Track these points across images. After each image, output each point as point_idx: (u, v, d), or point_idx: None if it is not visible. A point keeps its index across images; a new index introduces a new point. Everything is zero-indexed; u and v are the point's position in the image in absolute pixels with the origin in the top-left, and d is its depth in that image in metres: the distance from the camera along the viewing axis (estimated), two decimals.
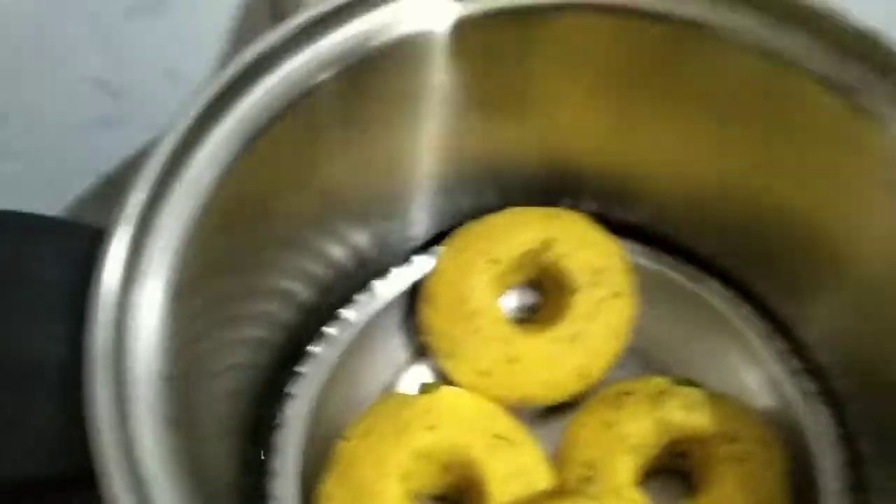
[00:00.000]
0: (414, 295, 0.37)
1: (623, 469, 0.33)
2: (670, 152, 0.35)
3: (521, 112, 0.35)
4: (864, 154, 0.30)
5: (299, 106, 0.29)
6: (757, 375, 0.37)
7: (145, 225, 0.25)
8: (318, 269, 0.36)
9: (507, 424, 0.34)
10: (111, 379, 0.22)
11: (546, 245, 0.36)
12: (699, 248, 0.38)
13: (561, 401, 0.36)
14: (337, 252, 0.36)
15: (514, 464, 0.32)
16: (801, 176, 0.32)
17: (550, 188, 0.38)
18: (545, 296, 0.39)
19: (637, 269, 0.37)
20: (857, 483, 0.33)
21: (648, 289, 0.37)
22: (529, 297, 0.39)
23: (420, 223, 0.38)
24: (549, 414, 0.36)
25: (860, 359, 0.34)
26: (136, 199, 0.25)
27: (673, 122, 0.34)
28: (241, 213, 0.29)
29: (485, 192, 0.38)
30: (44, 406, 0.22)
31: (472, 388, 0.35)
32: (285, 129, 0.29)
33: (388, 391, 0.37)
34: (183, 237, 0.26)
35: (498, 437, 0.33)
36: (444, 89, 0.33)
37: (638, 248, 0.39)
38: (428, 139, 0.35)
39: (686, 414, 0.33)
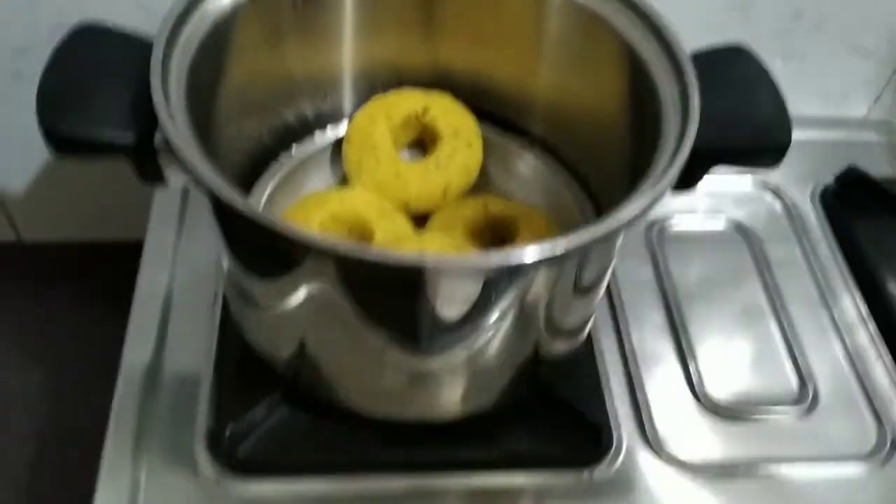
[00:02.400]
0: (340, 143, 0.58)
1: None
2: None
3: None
4: None
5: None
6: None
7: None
8: (275, 122, 0.56)
9: (390, 207, 0.54)
10: (161, 84, 0.41)
11: (425, 110, 0.57)
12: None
13: (429, 209, 0.56)
14: (288, 114, 0.56)
15: (393, 223, 0.52)
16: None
17: (432, 79, 0.58)
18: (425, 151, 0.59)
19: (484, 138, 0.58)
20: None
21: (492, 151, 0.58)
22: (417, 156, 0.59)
23: (347, 98, 0.58)
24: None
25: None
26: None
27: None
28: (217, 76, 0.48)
29: (389, 80, 0.58)
30: (123, 93, 0.41)
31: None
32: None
33: None
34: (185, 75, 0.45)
35: (383, 210, 0.53)
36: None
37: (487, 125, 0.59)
38: (350, 42, 0.56)
39: None
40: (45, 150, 0.72)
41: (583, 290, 0.48)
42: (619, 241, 0.47)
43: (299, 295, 0.45)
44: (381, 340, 0.46)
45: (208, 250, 0.62)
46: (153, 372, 0.56)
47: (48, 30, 0.62)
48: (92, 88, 0.42)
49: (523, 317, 0.46)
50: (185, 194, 0.66)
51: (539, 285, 0.44)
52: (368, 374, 0.49)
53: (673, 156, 0.43)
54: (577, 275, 0.45)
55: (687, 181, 0.47)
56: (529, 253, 0.37)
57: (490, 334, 0.46)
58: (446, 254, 0.50)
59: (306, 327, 0.48)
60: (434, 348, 0.47)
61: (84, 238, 0.81)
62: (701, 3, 0.67)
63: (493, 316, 0.44)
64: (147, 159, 0.42)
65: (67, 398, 0.72)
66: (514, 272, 0.41)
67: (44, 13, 0.62)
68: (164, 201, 0.66)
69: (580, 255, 0.43)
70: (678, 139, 0.44)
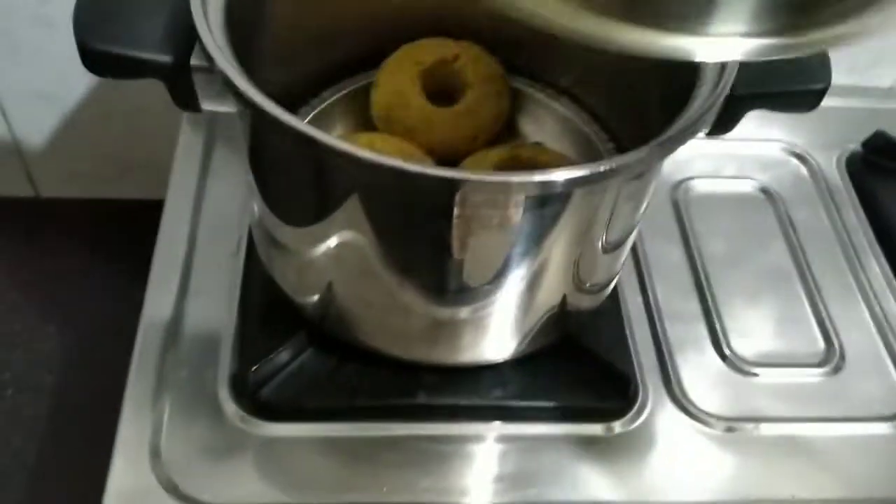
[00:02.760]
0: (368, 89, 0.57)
1: None
2: None
3: None
4: None
5: None
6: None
7: None
8: (306, 68, 0.55)
9: (419, 152, 0.53)
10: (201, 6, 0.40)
11: (454, 58, 0.56)
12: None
13: (457, 156, 0.55)
14: (320, 60, 0.56)
15: None
16: None
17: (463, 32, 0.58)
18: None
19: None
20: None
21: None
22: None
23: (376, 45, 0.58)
24: None
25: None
26: None
27: None
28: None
29: (421, 29, 0.58)
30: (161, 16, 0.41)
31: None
32: None
33: None
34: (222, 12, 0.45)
35: (411, 155, 0.52)
36: None
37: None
38: None
39: None
40: (65, 101, 0.72)
41: (613, 237, 0.47)
42: (655, 178, 0.46)
43: (331, 230, 0.44)
44: (410, 280, 0.46)
45: (231, 200, 0.62)
46: (176, 318, 0.55)
47: None
48: (130, 9, 0.41)
49: (554, 258, 0.45)
50: (207, 145, 0.65)
51: (573, 217, 0.43)
52: (395, 315, 0.49)
53: (711, 94, 0.43)
54: (611, 213, 0.45)
55: (724, 124, 0.46)
56: (567, 173, 0.37)
57: (518, 277, 0.46)
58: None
59: (336, 268, 0.48)
60: (462, 290, 0.46)
61: (102, 195, 0.80)
62: None
63: (523, 253, 0.44)
64: (182, 83, 0.41)
65: (84, 354, 0.71)
66: (550, 195, 0.40)
67: None
68: (187, 148, 0.65)
69: (619, 182, 0.42)
70: (715, 81, 0.44)
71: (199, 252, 0.59)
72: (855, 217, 0.68)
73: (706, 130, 0.47)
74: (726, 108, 0.45)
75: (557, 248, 0.45)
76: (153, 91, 0.69)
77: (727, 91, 0.43)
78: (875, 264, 0.65)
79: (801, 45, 0.34)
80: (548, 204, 0.42)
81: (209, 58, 0.39)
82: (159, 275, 0.57)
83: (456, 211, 0.40)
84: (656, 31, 0.34)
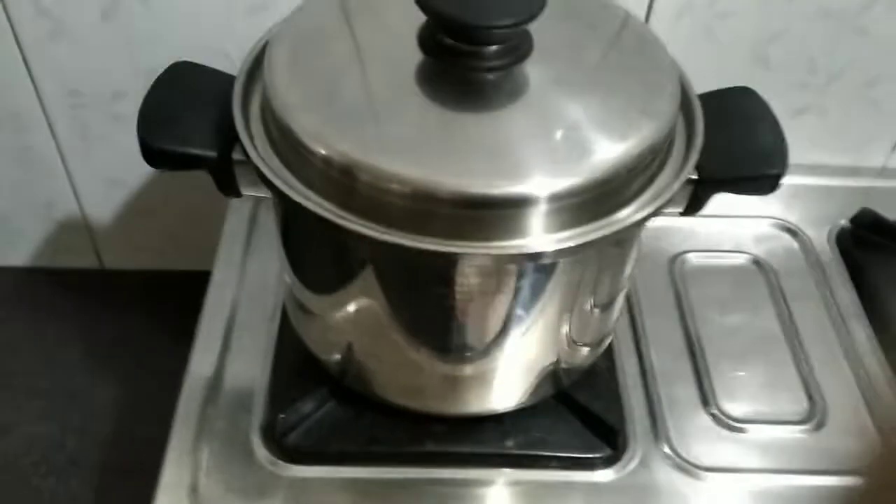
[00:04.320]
0: None
1: None
2: None
3: None
4: None
5: None
6: None
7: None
8: None
9: None
10: (241, 108, 0.49)
11: None
12: None
13: None
14: None
15: None
16: None
17: None
18: None
19: None
20: None
21: None
22: None
23: None
24: None
25: None
26: None
27: None
28: None
29: None
30: (209, 117, 0.50)
31: None
32: None
33: None
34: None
35: None
36: None
37: None
38: None
39: None
40: (130, 186, 0.82)
41: (600, 300, 0.54)
42: (634, 246, 0.53)
43: (350, 298, 0.52)
44: (419, 341, 0.53)
45: (268, 272, 0.70)
46: (217, 374, 0.63)
47: (144, 76, 0.72)
48: (183, 112, 0.50)
49: (546, 319, 0.52)
50: (250, 225, 0.74)
51: (560, 283, 0.50)
52: (406, 371, 0.56)
53: (676, 175, 0.50)
54: (595, 278, 0.52)
55: (693, 206, 0.53)
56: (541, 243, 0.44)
57: (515, 338, 0.53)
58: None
59: (354, 330, 0.55)
60: (464, 350, 0.53)
61: (158, 267, 0.90)
62: (721, 58, 0.74)
63: (518, 317, 0.51)
64: (226, 173, 0.50)
65: (138, 407, 0.79)
66: (538, 265, 0.48)
67: (141, 61, 0.72)
68: (233, 229, 0.74)
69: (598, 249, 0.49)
70: (682, 163, 0.51)
71: (239, 316, 0.67)
72: (843, 287, 0.74)
73: (680, 211, 0.54)
74: (695, 192, 0.52)
75: (549, 310, 0.52)
76: (204, 179, 0.79)
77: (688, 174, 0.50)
78: (861, 330, 0.70)
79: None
80: (537, 271, 0.49)
81: (245, 153, 0.47)
82: (205, 335, 0.65)
83: (455, 280, 0.48)
84: None
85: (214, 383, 0.62)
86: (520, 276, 0.49)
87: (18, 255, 0.89)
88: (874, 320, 0.71)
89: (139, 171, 0.81)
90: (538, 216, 0.44)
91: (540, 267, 0.49)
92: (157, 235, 0.87)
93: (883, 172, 0.85)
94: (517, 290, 0.50)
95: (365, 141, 0.44)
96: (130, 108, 0.74)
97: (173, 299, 0.87)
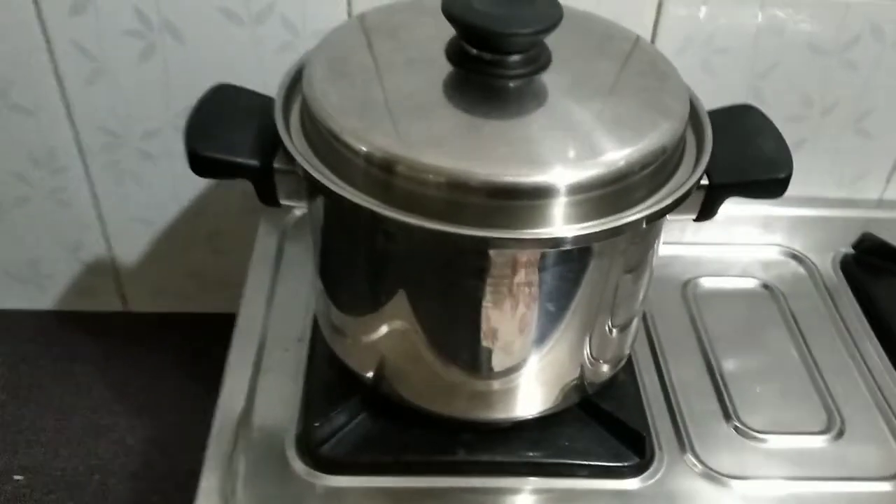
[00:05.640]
0: None
1: None
2: None
3: None
4: None
5: None
6: None
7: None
8: None
9: None
10: (283, 116, 0.52)
11: None
12: None
13: None
14: None
15: None
16: None
17: None
18: None
19: None
20: None
21: None
22: None
23: None
24: None
25: None
26: None
27: None
28: None
29: None
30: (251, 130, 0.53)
31: None
32: None
33: None
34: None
35: None
36: None
37: None
38: None
39: None
40: (157, 227, 0.85)
41: (621, 307, 0.57)
42: (654, 244, 0.56)
43: (384, 319, 0.55)
44: (447, 353, 0.55)
45: (296, 296, 0.72)
46: (250, 391, 0.64)
47: (176, 115, 0.76)
48: (226, 125, 0.53)
49: (570, 329, 0.55)
50: (279, 250, 0.77)
51: (585, 285, 0.53)
52: (437, 383, 0.57)
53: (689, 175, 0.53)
54: (617, 281, 0.54)
55: (706, 212, 0.56)
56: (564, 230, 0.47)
57: (542, 349, 0.55)
58: None
59: (387, 347, 0.57)
60: (492, 362, 0.55)
61: (183, 310, 0.92)
62: (719, 92, 0.78)
63: (544, 326, 0.54)
64: (267, 181, 0.53)
65: (167, 444, 0.80)
66: (564, 271, 0.51)
67: (173, 100, 0.75)
68: (262, 254, 0.76)
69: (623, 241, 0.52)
70: (693, 166, 0.54)
71: (270, 337, 0.69)
72: (851, 309, 0.76)
73: (693, 217, 0.57)
74: (707, 197, 0.55)
75: (572, 320, 0.54)
76: (226, 217, 0.83)
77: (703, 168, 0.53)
78: (870, 346, 0.72)
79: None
80: (561, 271, 0.52)
81: (289, 157, 0.50)
82: (237, 356, 0.67)
83: (486, 280, 0.51)
84: None
85: (248, 400, 0.63)
86: (541, 281, 0.52)
87: (46, 298, 0.91)
88: (882, 336, 0.73)
89: (168, 208, 0.83)
90: (560, 206, 0.47)
91: (563, 275, 0.52)
92: (181, 277, 0.90)
93: (880, 204, 0.89)
94: (539, 298, 0.53)
95: (402, 137, 0.48)
96: (161, 147, 0.78)
97: (196, 341, 0.89)
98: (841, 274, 0.79)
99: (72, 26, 0.70)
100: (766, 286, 0.78)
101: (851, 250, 0.81)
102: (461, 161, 0.46)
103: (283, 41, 0.72)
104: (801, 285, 0.79)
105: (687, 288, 0.77)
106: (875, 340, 0.73)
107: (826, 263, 0.81)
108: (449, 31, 0.52)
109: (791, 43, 0.75)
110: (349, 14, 0.71)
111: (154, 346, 0.89)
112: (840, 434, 0.65)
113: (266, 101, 0.55)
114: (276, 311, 0.71)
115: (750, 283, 0.78)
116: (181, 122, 0.74)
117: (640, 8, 0.73)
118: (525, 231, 0.47)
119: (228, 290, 0.90)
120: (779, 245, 0.82)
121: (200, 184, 0.81)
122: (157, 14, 0.70)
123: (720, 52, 0.76)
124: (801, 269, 0.80)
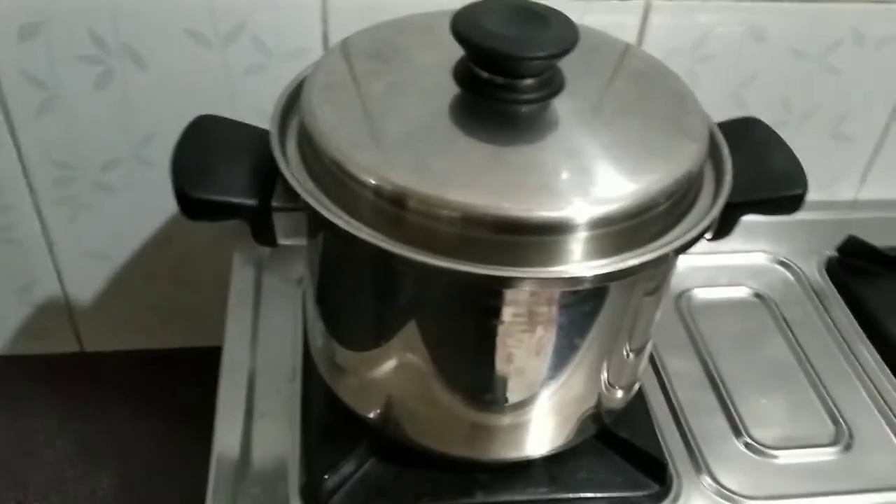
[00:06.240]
0: None
1: None
2: None
3: None
4: None
5: None
6: None
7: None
8: None
9: None
10: (280, 149, 0.48)
11: None
12: None
13: None
14: None
15: None
16: None
17: None
18: None
19: None
20: None
21: None
22: None
23: None
24: None
25: None
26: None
27: None
28: None
29: None
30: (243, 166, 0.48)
31: None
32: None
33: None
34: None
35: None
36: None
37: None
38: None
39: None
40: (115, 263, 0.79)
41: (638, 333, 0.54)
42: (670, 274, 0.54)
43: (391, 355, 0.52)
44: (461, 390, 0.52)
45: (282, 333, 0.68)
46: (245, 440, 0.60)
47: (136, 144, 0.70)
48: (215, 161, 0.49)
49: (586, 361, 0.52)
50: (257, 286, 0.72)
51: (603, 317, 0.50)
52: (449, 420, 0.54)
53: (713, 199, 0.51)
54: (636, 310, 0.52)
55: (723, 229, 0.54)
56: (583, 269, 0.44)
57: (557, 383, 0.52)
58: None
59: (395, 384, 0.54)
60: (506, 398, 0.52)
61: (143, 346, 0.86)
62: (703, 99, 0.76)
63: (559, 360, 0.51)
64: (264, 221, 0.49)
65: (141, 488, 0.75)
66: (581, 308, 0.49)
67: (134, 129, 0.70)
68: (239, 294, 0.71)
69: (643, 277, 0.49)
70: (715, 190, 0.52)
71: (259, 377, 0.64)
72: (841, 312, 0.76)
73: (710, 236, 0.55)
74: (723, 216, 0.53)
75: (590, 350, 0.52)
76: (194, 247, 0.77)
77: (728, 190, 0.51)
78: (865, 351, 0.72)
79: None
80: (580, 303, 0.49)
81: (292, 192, 0.46)
82: (226, 404, 0.62)
83: (498, 317, 0.47)
84: None
85: (244, 449, 0.59)
86: (560, 314, 0.49)
87: None
88: (875, 342, 0.73)
89: (126, 243, 0.78)
90: (580, 242, 0.45)
91: (581, 307, 0.49)
92: (143, 311, 0.84)
93: (855, 205, 0.89)
94: (558, 330, 0.50)
95: (413, 170, 0.44)
96: (120, 179, 0.72)
97: (162, 378, 0.83)
98: (827, 278, 0.79)
99: (19, 53, 0.64)
100: (758, 295, 0.77)
101: (836, 254, 0.81)
102: (481, 197, 0.43)
103: (254, 62, 0.67)
104: (791, 292, 0.78)
105: (681, 301, 0.76)
106: (868, 343, 0.73)
107: (812, 268, 0.80)
108: (450, 52, 0.49)
109: (774, 49, 0.74)
110: (324, 32, 0.67)
111: (115, 386, 0.83)
112: (849, 447, 0.64)
113: (253, 133, 0.51)
114: (262, 349, 0.67)
115: (741, 292, 0.77)
116: (143, 152, 0.70)
117: (625, 17, 0.70)
118: (546, 269, 0.45)
119: (194, 323, 0.85)
120: (763, 251, 0.81)
121: (164, 215, 0.75)
122: (115, 37, 0.64)
123: (705, 60, 0.74)
124: (789, 276, 0.80)
